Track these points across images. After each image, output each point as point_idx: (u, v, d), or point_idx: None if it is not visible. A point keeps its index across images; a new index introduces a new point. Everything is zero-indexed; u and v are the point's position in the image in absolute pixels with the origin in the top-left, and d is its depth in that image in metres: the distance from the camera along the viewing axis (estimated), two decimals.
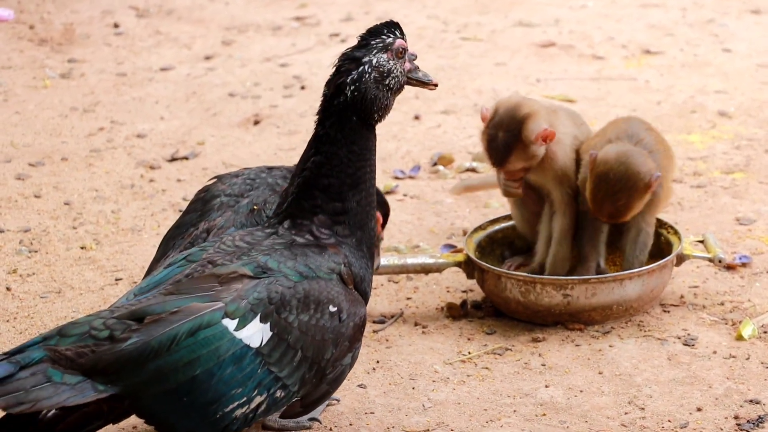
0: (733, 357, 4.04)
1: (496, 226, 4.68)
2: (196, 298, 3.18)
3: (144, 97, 6.78)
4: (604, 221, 4.33)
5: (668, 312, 4.35)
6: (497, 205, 5.24)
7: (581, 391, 3.89)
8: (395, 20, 3.54)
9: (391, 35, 3.49)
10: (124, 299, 3.31)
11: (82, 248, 4.99)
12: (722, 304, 4.39)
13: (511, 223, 4.68)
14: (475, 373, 4.02)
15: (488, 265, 4.38)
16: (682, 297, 4.44)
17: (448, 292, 4.59)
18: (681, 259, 4.41)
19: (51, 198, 5.48)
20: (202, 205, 4.03)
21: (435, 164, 5.73)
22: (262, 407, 3.22)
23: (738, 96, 6.48)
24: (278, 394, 3.24)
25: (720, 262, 4.37)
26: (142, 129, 6.28)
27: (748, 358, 4.03)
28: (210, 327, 3.13)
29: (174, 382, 3.08)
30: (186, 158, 5.90)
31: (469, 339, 4.24)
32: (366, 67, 3.43)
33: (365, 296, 3.50)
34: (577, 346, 4.16)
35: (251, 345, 3.17)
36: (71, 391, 3.02)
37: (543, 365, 4.05)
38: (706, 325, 4.25)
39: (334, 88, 3.44)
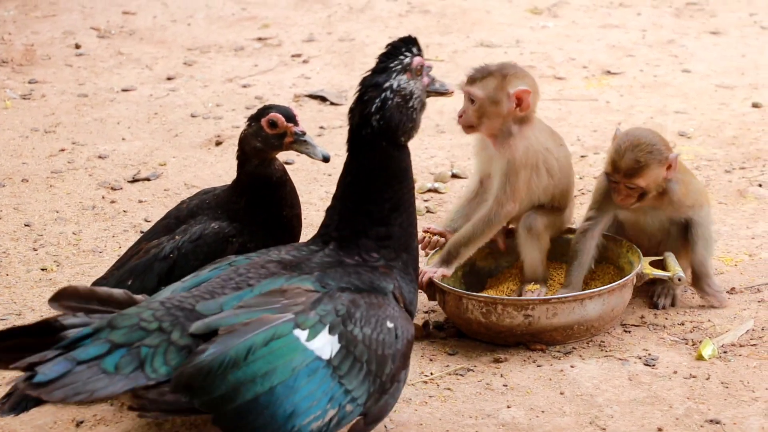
0: (694, 377, 4.06)
1: None
2: (265, 310, 3.19)
3: (105, 118, 6.76)
4: (618, 180, 4.42)
5: (629, 332, 4.37)
6: None
7: (543, 412, 3.90)
8: (412, 36, 3.55)
9: (409, 54, 3.51)
10: (167, 293, 3.33)
11: (42, 270, 4.97)
12: (682, 324, 4.41)
13: None
14: (437, 394, 4.02)
15: (449, 287, 4.38)
16: (642, 317, 4.46)
17: None
18: (641, 278, 4.42)
19: (11, 219, 5.45)
20: (160, 221, 4.09)
21: None
22: (334, 421, 3.20)
23: (697, 116, 6.53)
24: (348, 407, 3.23)
25: (680, 281, 4.39)
26: (104, 150, 6.27)
27: (708, 378, 4.05)
28: (282, 338, 3.14)
29: (253, 393, 3.07)
30: (148, 179, 5.89)
31: (431, 360, 4.25)
32: (388, 93, 3.45)
33: (412, 318, 3.53)
34: (538, 366, 4.17)
35: (322, 357, 3.18)
36: (126, 380, 3.03)
37: (505, 386, 4.05)
38: (667, 345, 4.27)
39: (359, 118, 3.46)
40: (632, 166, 4.40)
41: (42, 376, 2.97)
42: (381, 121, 3.44)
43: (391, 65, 3.49)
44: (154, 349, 3.08)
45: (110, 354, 3.05)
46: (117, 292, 3.25)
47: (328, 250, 3.48)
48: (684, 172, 4.59)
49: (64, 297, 3.21)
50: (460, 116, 4.39)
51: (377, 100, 3.45)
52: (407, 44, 3.53)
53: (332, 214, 3.55)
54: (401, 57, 3.50)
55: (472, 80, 4.38)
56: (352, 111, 3.50)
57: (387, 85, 3.46)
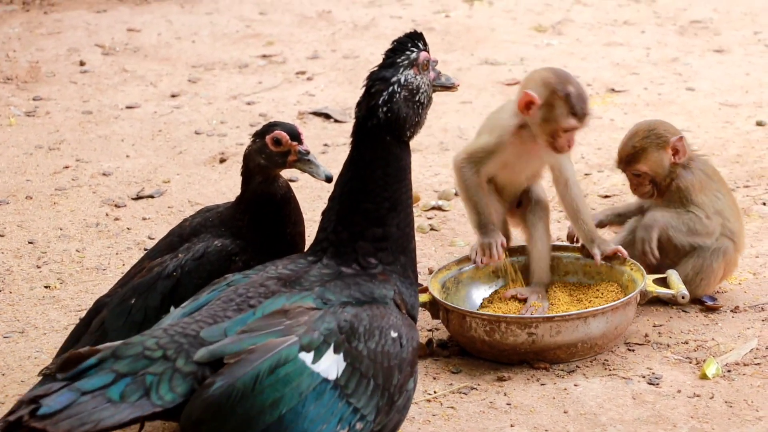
0: (698, 396, 4.05)
1: (462, 267, 4.67)
2: (269, 334, 3.16)
3: (110, 135, 6.77)
4: (622, 168, 4.71)
5: (633, 351, 4.37)
6: (463, 243, 5.26)
7: (546, 431, 3.89)
8: (418, 30, 3.56)
9: (415, 49, 3.51)
10: (169, 320, 3.31)
11: (46, 287, 4.97)
12: (686, 342, 4.40)
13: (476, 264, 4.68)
14: (440, 413, 4.02)
15: (453, 305, 4.38)
16: (646, 336, 4.45)
17: None
18: (644, 295, 4.42)
19: (15, 237, 5.45)
20: (164, 238, 4.08)
21: None
22: None
23: (702, 134, 6.53)
24: (358, 426, 3.21)
25: (683, 298, 4.39)
26: (108, 167, 6.27)
27: (712, 397, 4.04)
28: (288, 363, 3.11)
29: (263, 425, 3.06)
30: (152, 196, 5.89)
31: (434, 378, 4.24)
32: (395, 86, 3.45)
33: (415, 322, 3.52)
34: (542, 385, 4.17)
35: (329, 378, 3.15)
36: (132, 408, 3.01)
37: (508, 404, 4.05)
38: (671, 364, 4.27)
39: (366, 110, 3.46)
40: (629, 152, 4.64)
41: (47, 408, 2.95)
42: (388, 114, 3.43)
43: (398, 60, 3.49)
44: (159, 377, 3.07)
45: (115, 383, 3.04)
46: (117, 344, 3.22)
47: (325, 259, 3.46)
48: (716, 182, 4.71)
49: (70, 365, 3.16)
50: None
51: (385, 93, 3.44)
52: (413, 39, 3.53)
53: (329, 216, 3.53)
54: (408, 52, 3.50)
55: (588, 113, 4.47)
56: (359, 104, 3.49)
57: (394, 79, 3.46)
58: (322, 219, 3.55)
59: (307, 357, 3.14)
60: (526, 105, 4.43)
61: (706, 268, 4.64)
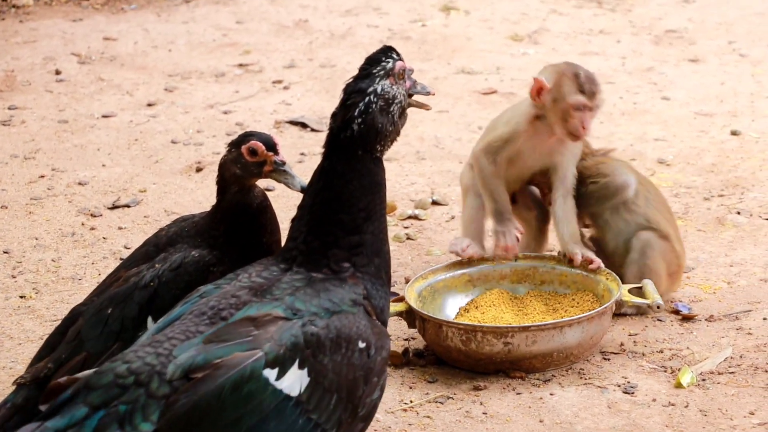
0: (672, 405, 4.07)
1: (438, 275, 4.68)
2: (236, 346, 3.12)
3: (85, 144, 6.75)
4: None
5: (608, 359, 4.38)
6: (439, 253, 5.26)
7: None
8: (389, 45, 3.55)
9: (390, 59, 3.50)
10: (144, 338, 3.27)
11: (21, 297, 4.95)
12: (661, 351, 4.42)
13: (452, 273, 4.69)
14: (416, 422, 4.02)
15: (429, 314, 4.39)
16: (621, 344, 4.47)
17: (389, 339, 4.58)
18: (620, 305, 4.44)
19: None
20: (139, 248, 4.07)
21: None
22: None
23: (677, 143, 6.56)
24: None
25: (658, 308, 4.41)
26: (84, 176, 6.26)
27: (686, 406, 4.05)
28: (252, 380, 3.08)
29: None
30: (128, 206, 5.88)
31: (411, 387, 4.25)
32: (372, 97, 3.42)
33: (385, 326, 3.48)
34: (518, 394, 4.18)
35: (291, 394, 3.12)
36: None
37: (484, 413, 4.06)
38: (646, 373, 4.28)
39: (341, 121, 3.43)
40: None
41: None
42: (362, 125, 3.40)
43: (374, 71, 3.48)
44: (132, 406, 3.03)
45: (88, 418, 3.00)
46: (90, 372, 3.19)
47: (296, 267, 3.42)
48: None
49: (52, 396, 3.13)
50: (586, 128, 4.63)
51: (361, 104, 3.42)
52: (387, 52, 3.52)
53: (299, 226, 3.48)
54: (383, 63, 3.50)
55: (598, 92, 4.60)
56: (334, 115, 3.47)
57: (371, 89, 3.43)
58: (292, 227, 3.52)
59: (271, 374, 3.10)
60: (537, 91, 4.62)
61: (643, 269, 4.67)
